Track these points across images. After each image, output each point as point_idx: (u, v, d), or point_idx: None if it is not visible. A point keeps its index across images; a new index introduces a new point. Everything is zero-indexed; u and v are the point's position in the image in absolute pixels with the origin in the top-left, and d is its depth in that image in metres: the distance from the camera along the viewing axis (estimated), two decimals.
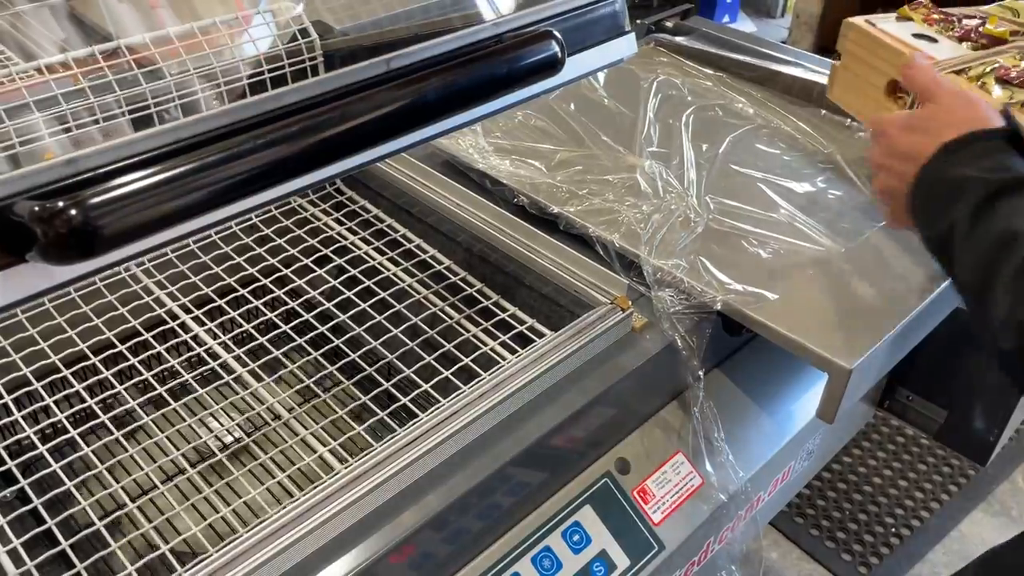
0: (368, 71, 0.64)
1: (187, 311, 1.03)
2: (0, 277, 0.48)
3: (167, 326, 1.03)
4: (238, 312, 1.03)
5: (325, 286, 1.07)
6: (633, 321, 0.91)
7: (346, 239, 1.14)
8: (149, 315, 1.02)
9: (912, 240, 0.78)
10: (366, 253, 1.11)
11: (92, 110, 0.80)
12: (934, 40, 1.05)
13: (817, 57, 1.39)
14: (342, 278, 1.07)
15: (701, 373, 0.89)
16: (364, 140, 0.59)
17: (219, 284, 1.07)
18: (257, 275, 1.08)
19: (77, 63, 0.90)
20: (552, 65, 0.66)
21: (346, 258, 1.10)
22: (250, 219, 1.15)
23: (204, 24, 1.04)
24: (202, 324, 1.02)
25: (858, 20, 1.10)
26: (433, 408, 0.81)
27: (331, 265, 1.11)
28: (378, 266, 1.09)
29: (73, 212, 0.46)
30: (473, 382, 0.83)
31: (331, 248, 1.13)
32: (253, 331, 0.99)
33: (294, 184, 0.57)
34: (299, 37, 1.09)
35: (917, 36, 1.05)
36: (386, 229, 1.15)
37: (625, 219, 1.00)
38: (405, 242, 1.12)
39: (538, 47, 0.65)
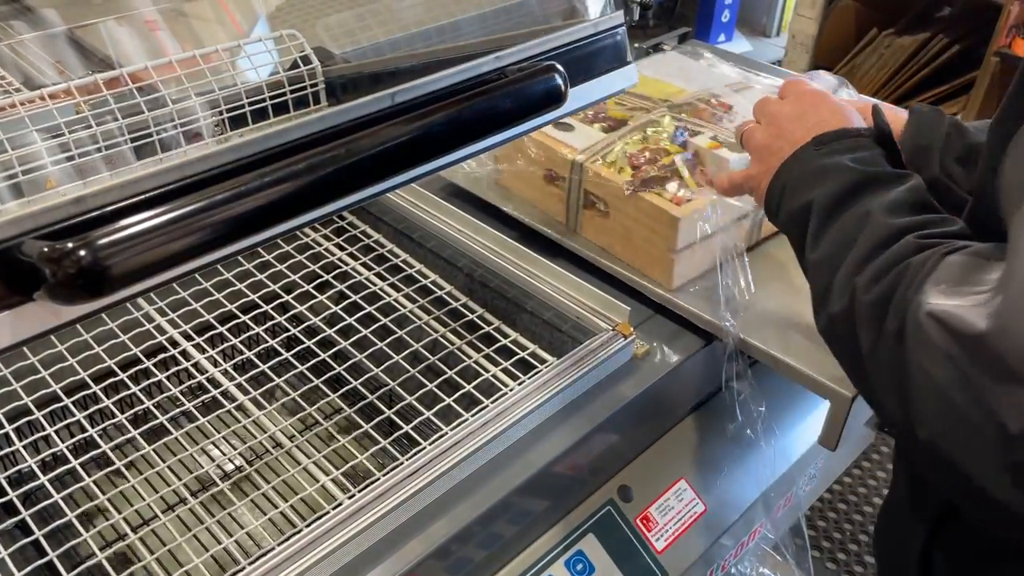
0: (374, 105, 0.64)
1: (188, 338, 1.03)
2: (7, 316, 0.48)
3: (168, 353, 1.03)
4: (239, 339, 1.03)
5: (326, 312, 1.07)
6: (635, 348, 0.91)
7: (347, 265, 1.14)
8: (150, 342, 1.02)
9: None
10: (367, 279, 1.11)
11: (95, 138, 0.81)
12: (570, 127, 1.08)
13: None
14: (343, 304, 1.07)
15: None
16: (372, 175, 0.59)
17: (220, 311, 1.07)
18: (258, 301, 1.08)
19: (79, 90, 0.90)
20: (555, 99, 0.66)
21: (347, 284, 1.10)
22: None
23: (206, 51, 1.05)
24: (203, 351, 1.02)
25: None
26: (436, 436, 0.81)
27: (333, 291, 1.11)
28: (379, 292, 1.09)
29: (82, 253, 0.46)
30: (476, 410, 0.84)
31: (332, 274, 1.13)
32: (254, 358, 0.99)
33: (301, 219, 0.57)
34: (300, 64, 1.10)
35: (559, 125, 1.08)
36: (387, 255, 1.15)
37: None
38: (406, 267, 1.13)
39: (542, 81, 0.66)
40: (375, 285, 1.10)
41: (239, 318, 1.05)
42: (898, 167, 0.71)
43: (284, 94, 1.10)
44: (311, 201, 0.56)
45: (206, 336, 1.05)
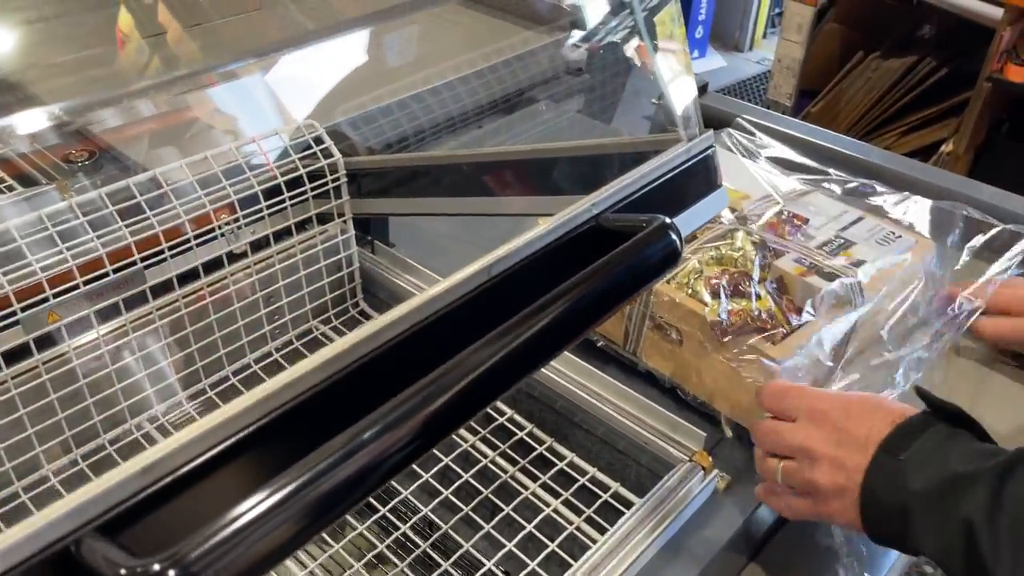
0: (472, 282, 0.54)
1: None
2: None
3: None
4: None
5: None
6: (717, 483, 0.83)
7: None
8: None
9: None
10: None
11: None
12: None
13: None
14: None
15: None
16: (495, 391, 0.50)
17: None
18: None
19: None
20: (672, 261, 0.58)
21: None
22: None
23: (220, 151, 0.94)
24: None
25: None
26: None
27: None
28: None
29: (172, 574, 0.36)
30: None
31: None
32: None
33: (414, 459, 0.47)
34: (321, 157, 1.00)
35: None
36: None
37: None
38: None
39: (660, 246, 0.57)
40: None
41: None
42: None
43: (306, 193, 1.00)
44: (432, 440, 0.47)
45: None
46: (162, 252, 0.89)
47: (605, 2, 1.26)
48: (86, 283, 0.85)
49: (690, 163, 0.69)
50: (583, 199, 0.62)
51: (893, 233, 1.03)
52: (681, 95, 0.70)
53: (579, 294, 0.52)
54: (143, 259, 0.89)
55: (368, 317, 1.10)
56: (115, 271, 0.87)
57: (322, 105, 1.10)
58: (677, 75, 0.71)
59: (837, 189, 1.14)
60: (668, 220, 0.58)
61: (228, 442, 0.44)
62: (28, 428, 0.83)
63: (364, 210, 1.05)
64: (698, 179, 0.70)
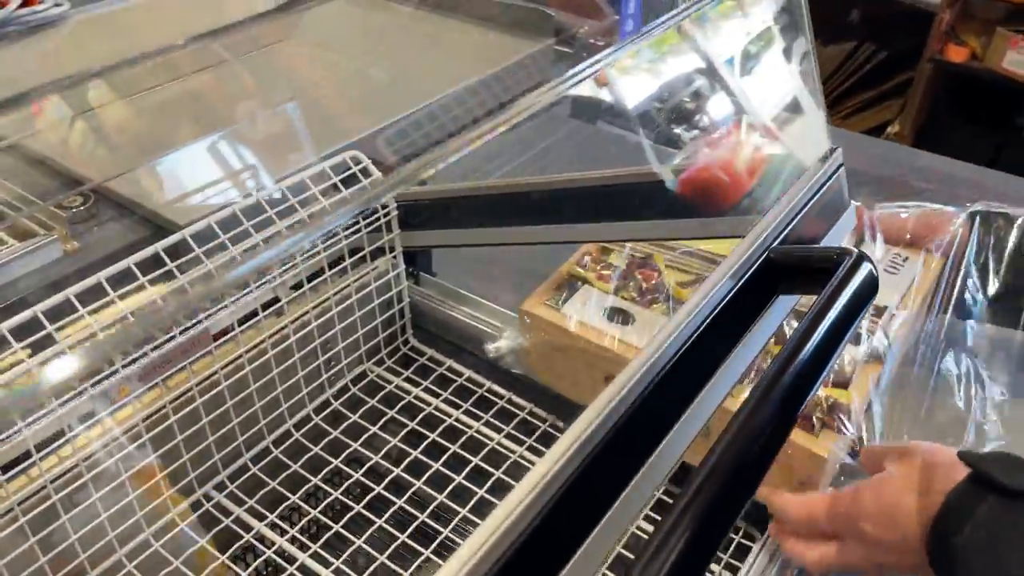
0: (673, 345, 0.51)
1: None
2: None
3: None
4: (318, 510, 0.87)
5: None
6: None
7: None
8: None
9: None
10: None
11: None
12: (629, 317, 0.89)
13: None
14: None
15: None
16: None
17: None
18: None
19: None
20: (875, 291, 0.56)
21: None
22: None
23: (269, 191, 0.88)
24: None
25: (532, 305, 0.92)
26: None
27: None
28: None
29: None
30: None
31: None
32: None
33: None
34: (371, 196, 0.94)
35: (613, 313, 0.89)
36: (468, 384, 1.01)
37: None
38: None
39: (862, 275, 0.55)
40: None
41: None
42: None
43: (360, 231, 0.94)
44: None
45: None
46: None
47: None
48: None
49: (826, 185, 0.67)
50: (750, 232, 0.60)
51: (899, 255, 0.95)
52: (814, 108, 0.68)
53: (820, 338, 0.49)
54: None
55: (420, 354, 1.04)
56: (181, 332, 0.80)
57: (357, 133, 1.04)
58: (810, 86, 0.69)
59: None
60: (858, 250, 0.56)
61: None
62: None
63: (415, 243, 1.00)
64: (834, 202, 0.68)
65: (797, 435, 0.75)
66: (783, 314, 0.60)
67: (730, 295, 0.56)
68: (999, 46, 2.40)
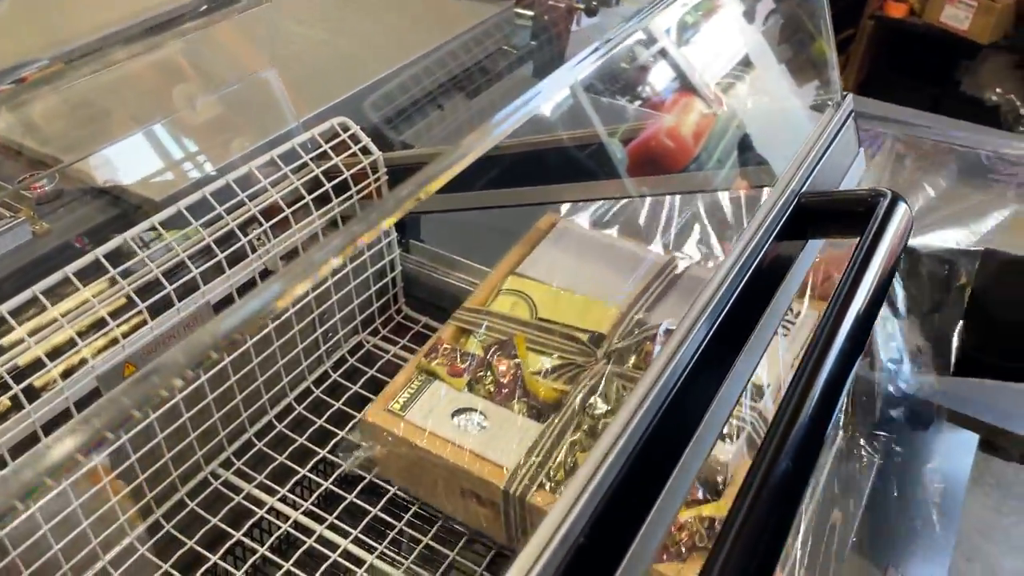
0: (722, 288, 0.51)
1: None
2: None
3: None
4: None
5: None
6: None
7: None
8: None
9: None
10: None
11: None
12: (483, 422, 0.78)
13: None
14: None
15: None
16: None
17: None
18: None
19: None
20: (910, 231, 0.57)
21: None
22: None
23: (259, 162, 0.85)
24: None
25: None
26: None
27: None
28: None
29: None
30: None
31: None
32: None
33: None
34: (360, 155, 0.93)
35: (464, 417, 0.79)
36: None
37: None
38: None
39: (900, 216, 0.56)
40: None
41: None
42: None
43: (352, 196, 0.93)
44: None
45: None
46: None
47: None
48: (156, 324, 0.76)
49: (843, 128, 0.68)
50: (777, 180, 0.60)
51: (791, 310, 0.78)
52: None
53: (876, 278, 0.50)
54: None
55: (414, 322, 1.03)
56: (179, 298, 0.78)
57: (341, 99, 1.01)
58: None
59: None
60: (891, 190, 0.57)
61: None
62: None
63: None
64: (847, 146, 0.69)
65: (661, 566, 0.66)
66: (812, 258, 0.60)
67: (767, 244, 0.56)
68: (937, 1, 2.46)
